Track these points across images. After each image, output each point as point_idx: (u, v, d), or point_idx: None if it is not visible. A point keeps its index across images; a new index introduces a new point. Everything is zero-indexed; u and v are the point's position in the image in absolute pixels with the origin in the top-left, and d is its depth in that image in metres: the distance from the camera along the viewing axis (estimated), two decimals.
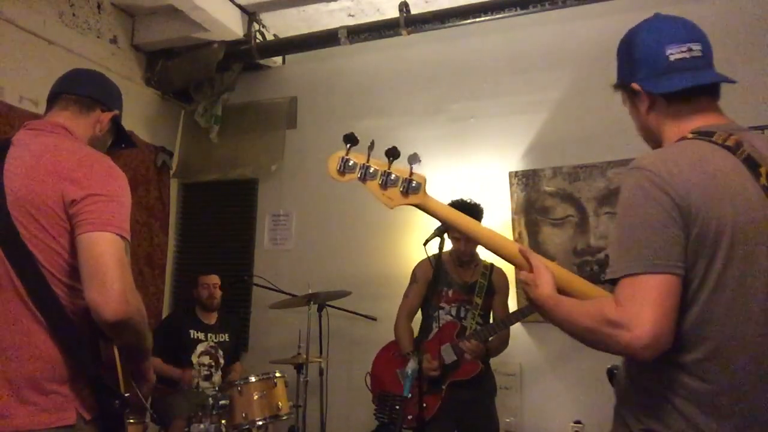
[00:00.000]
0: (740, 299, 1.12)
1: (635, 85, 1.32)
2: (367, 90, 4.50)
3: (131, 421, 2.62)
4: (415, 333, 2.64)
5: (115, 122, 1.78)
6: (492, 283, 3.18)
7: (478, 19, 3.86)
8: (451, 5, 3.94)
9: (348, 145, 1.47)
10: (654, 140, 1.36)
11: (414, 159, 1.47)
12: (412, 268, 3.71)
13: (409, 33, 4.01)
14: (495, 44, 4.18)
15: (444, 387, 2.98)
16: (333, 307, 3.85)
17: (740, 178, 1.16)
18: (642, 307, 1.09)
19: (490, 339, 3.02)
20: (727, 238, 1.12)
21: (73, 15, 4.02)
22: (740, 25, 3.62)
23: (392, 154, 1.47)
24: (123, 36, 4.42)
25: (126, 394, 1.50)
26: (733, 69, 3.75)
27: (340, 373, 3.96)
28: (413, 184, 1.48)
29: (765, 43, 3.54)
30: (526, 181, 3.93)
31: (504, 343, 3.16)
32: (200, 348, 3.86)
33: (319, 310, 3.78)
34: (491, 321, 3.18)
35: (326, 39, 4.25)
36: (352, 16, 4.29)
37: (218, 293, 4.00)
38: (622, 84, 1.38)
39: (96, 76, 1.80)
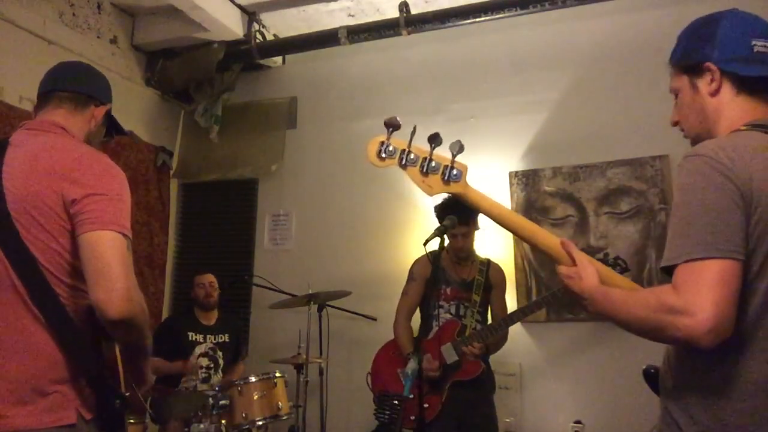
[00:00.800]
0: None
1: (710, 64, 1.29)
2: (367, 90, 4.50)
3: (131, 421, 2.63)
4: (415, 332, 2.63)
5: (108, 114, 1.77)
6: (489, 278, 3.19)
7: (478, 19, 3.86)
8: (451, 5, 3.94)
9: (390, 130, 1.43)
10: (704, 128, 1.32)
11: (457, 147, 1.43)
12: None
13: (409, 33, 4.01)
14: (495, 44, 4.19)
15: (446, 387, 2.97)
16: (333, 307, 3.85)
17: None
18: (703, 291, 1.06)
19: (489, 340, 3.01)
20: None
21: (73, 15, 4.02)
22: None
23: (434, 140, 1.43)
24: (123, 36, 4.42)
25: (126, 394, 1.51)
26: None
27: (340, 373, 3.95)
28: (454, 173, 1.45)
29: None
30: (526, 181, 3.94)
31: (503, 339, 3.16)
32: (198, 350, 3.83)
33: (319, 310, 3.77)
34: (489, 317, 3.18)
35: (326, 39, 4.25)
36: (352, 16, 4.29)
37: (215, 292, 3.98)
38: (689, 62, 1.33)
39: (86, 69, 1.79)
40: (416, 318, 3.24)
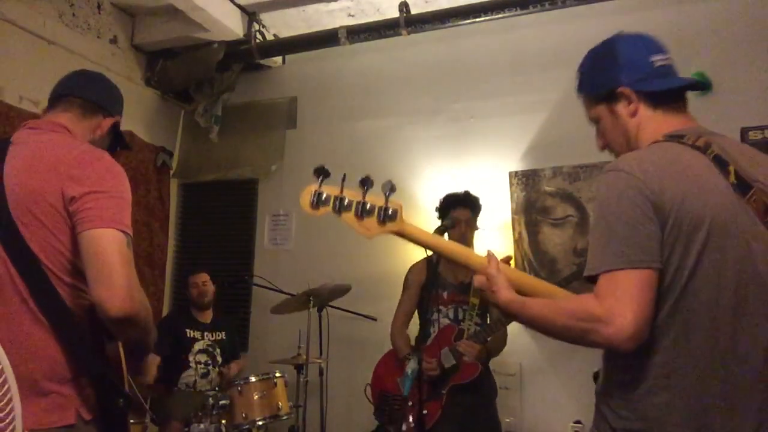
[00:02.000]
0: (712, 290, 1.18)
1: (624, 88, 1.37)
2: (367, 90, 4.50)
3: (131, 421, 2.62)
4: (415, 333, 2.61)
5: (114, 127, 1.77)
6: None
7: (478, 19, 3.86)
8: (451, 5, 3.94)
9: (320, 178, 1.45)
10: (631, 147, 1.39)
11: (388, 187, 1.44)
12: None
13: (409, 33, 4.01)
14: (495, 44, 4.18)
15: (444, 392, 2.93)
16: (333, 307, 3.85)
17: (711, 176, 1.23)
18: (623, 300, 1.14)
19: (488, 340, 2.99)
20: (701, 232, 1.17)
21: (73, 15, 4.02)
22: (739, 24, 3.62)
23: (366, 183, 1.44)
24: (123, 36, 4.42)
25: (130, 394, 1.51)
26: (733, 69, 3.76)
27: (340, 373, 3.95)
28: (389, 213, 1.46)
29: (764, 43, 3.54)
30: (526, 181, 3.93)
31: (502, 342, 3.13)
32: (197, 347, 3.87)
33: (319, 310, 3.77)
34: (489, 320, 3.15)
35: (326, 39, 4.25)
36: (352, 16, 4.29)
37: (209, 290, 4.00)
38: (602, 91, 1.41)
39: (101, 79, 1.79)
40: (414, 323, 3.24)
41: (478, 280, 1.43)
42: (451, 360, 2.94)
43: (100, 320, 1.44)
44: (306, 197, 1.47)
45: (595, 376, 1.38)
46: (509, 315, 1.40)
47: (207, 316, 4.01)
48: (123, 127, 1.88)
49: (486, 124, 4.12)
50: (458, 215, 3.05)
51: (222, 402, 3.21)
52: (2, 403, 1.11)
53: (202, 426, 3.14)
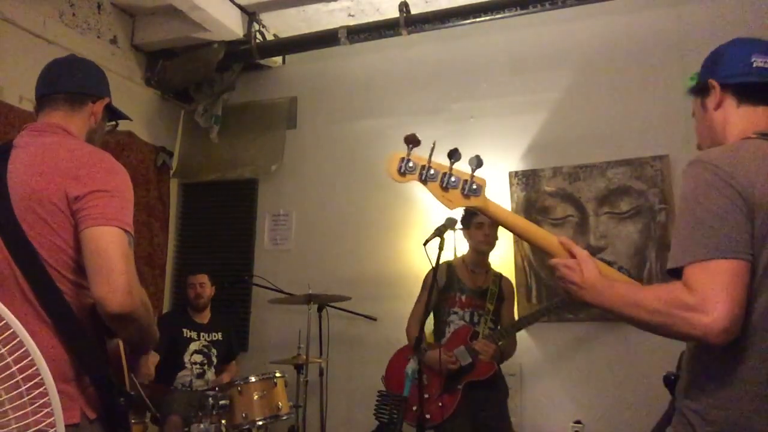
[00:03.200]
0: None
1: (712, 80, 1.38)
2: (367, 90, 4.50)
3: (132, 421, 2.62)
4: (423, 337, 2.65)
5: (109, 107, 1.75)
6: (502, 290, 3.24)
7: (478, 19, 3.86)
8: (451, 5, 3.94)
9: (410, 146, 1.46)
10: (714, 141, 1.39)
11: (475, 162, 1.47)
12: (412, 268, 3.72)
13: (409, 33, 4.01)
14: (495, 44, 4.19)
15: (460, 387, 3.00)
16: (333, 307, 3.85)
17: None
18: (717, 290, 1.09)
19: (500, 343, 3.06)
20: None
21: (73, 15, 4.02)
22: (739, 25, 3.62)
23: (453, 155, 1.47)
24: (123, 36, 4.42)
25: (132, 393, 1.51)
26: None
27: (340, 373, 3.96)
28: (474, 187, 1.49)
29: None
30: (526, 181, 3.94)
31: (513, 347, 3.22)
32: (193, 347, 3.88)
33: (319, 310, 3.78)
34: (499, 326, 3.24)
35: (326, 39, 4.25)
36: (352, 16, 4.29)
37: (206, 292, 4.00)
38: (698, 85, 1.42)
39: (77, 65, 1.77)
40: (408, 315, 3.23)
41: (556, 261, 1.41)
42: (467, 358, 3.01)
43: (102, 319, 1.44)
44: (393, 164, 1.47)
45: (669, 381, 1.35)
46: (584, 297, 1.34)
47: (204, 317, 4.02)
48: (123, 127, 1.88)
49: (486, 124, 4.12)
50: (482, 219, 3.09)
51: (222, 402, 3.21)
52: (41, 401, 1.11)
53: (202, 426, 3.14)
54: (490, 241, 3.18)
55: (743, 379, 1.15)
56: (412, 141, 1.45)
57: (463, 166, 1.49)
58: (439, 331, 3.18)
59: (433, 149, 1.47)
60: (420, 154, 1.48)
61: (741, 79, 1.35)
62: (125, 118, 1.86)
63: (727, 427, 1.15)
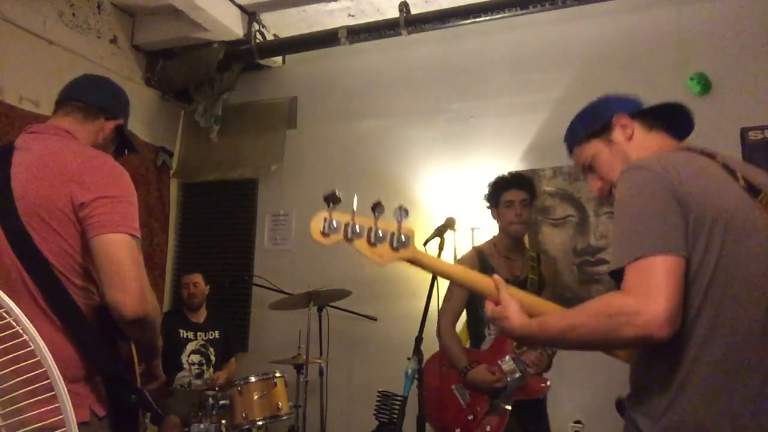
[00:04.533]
0: (736, 283, 1.16)
1: (619, 114, 1.44)
2: (367, 90, 4.50)
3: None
4: (415, 332, 2.56)
5: (119, 130, 1.79)
6: (542, 276, 2.82)
7: (478, 19, 3.86)
8: (451, 5, 3.94)
9: (330, 204, 1.39)
10: None
11: (400, 213, 1.42)
12: (412, 268, 3.67)
13: (409, 33, 4.01)
14: (495, 44, 4.18)
15: (509, 407, 2.57)
16: (333, 307, 3.85)
17: (724, 178, 1.25)
18: (653, 286, 1.10)
19: (555, 351, 2.60)
20: (721, 226, 1.17)
21: (73, 15, 4.02)
22: (739, 25, 3.62)
23: (377, 208, 1.41)
24: (123, 36, 4.42)
25: (143, 390, 1.53)
26: (733, 69, 3.75)
27: (340, 373, 3.95)
28: (402, 239, 1.43)
29: (764, 43, 3.54)
30: None
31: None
32: (190, 347, 3.89)
33: (319, 310, 3.77)
34: None
35: (326, 39, 4.25)
36: (352, 16, 4.29)
37: (200, 291, 4.01)
38: (596, 126, 1.48)
39: (104, 83, 1.82)
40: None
41: (489, 309, 1.39)
42: (516, 371, 2.56)
43: (110, 319, 1.46)
44: (317, 225, 1.41)
45: (618, 404, 1.33)
46: (526, 340, 1.36)
47: (200, 316, 4.03)
48: (135, 145, 1.89)
49: (486, 124, 4.12)
50: (511, 197, 2.76)
51: (222, 402, 3.21)
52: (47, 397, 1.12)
53: (202, 426, 3.14)
54: (524, 221, 2.76)
55: (697, 385, 1.15)
56: (331, 199, 1.38)
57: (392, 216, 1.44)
58: (476, 332, 2.79)
59: (355, 204, 1.42)
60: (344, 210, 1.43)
61: (642, 107, 1.44)
62: (134, 150, 1.88)
63: (672, 426, 1.16)
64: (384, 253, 1.44)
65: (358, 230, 1.41)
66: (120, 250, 1.42)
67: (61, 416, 1.09)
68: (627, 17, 3.86)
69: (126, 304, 1.39)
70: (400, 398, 2.82)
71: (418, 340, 2.47)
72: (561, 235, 3.79)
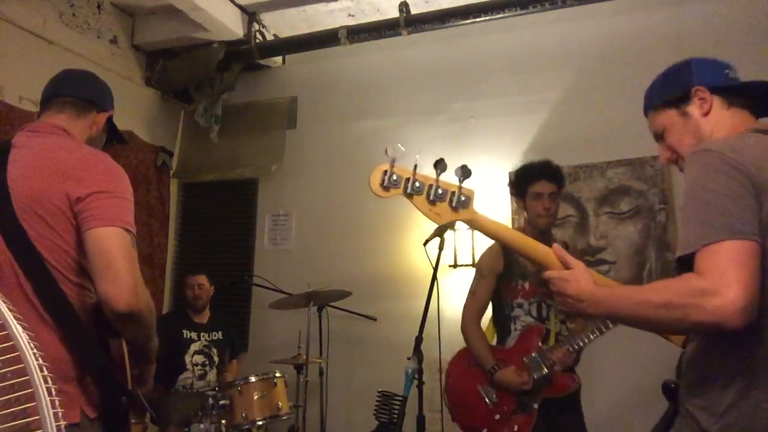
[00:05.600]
0: None
1: (699, 87, 1.38)
2: (367, 90, 4.50)
3: (132, 421, 2.62)
4: (415, 332, 2.55)
5: (109, 122, 1.79)
6: None
7: (478, 19, 3.86)
8: (451, 5, 3.94)
9: (392, 158, 1.39)
10: None
11: (461, 172, 1.40)
12: (412, 268, 3.68)
13: (409, 33, 4.01)
14: (495, 44, 4.19)
15: (536, 406, 2.52)
16: (333, 307, 3.85)
17: None
18: (730, 271, 1.05)
19: (582, 346, 2.53)
20: None
21: (73, 15, 4.02)
22: (739, 25, 3.62)
23: (439, 166, 1.39)
24: (123, 36, 4.42)
25: (134, 392, 1.52)
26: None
27: (340, 373, 3.95)
28: (462, 199, 1.41)
29: (764, 43, 3.54)
30: None
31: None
32: (193, 347, 3.87)
33: (319, 310, 3.77)
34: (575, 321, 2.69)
35: (326, 39, 4.25)
36: (352, 16, 4.29)
37: (204, 293, 3.98)
38: (675, 94, 1.42)
39: (89, 77, 1.81)
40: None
41: (552, 274, 1.35)
42: (542, 369, 2.52)
43: (104, 318, 1.45)
44: (376, 178, 1.39)
45: (667, 388, 1.31)
46: (585, 307, 1.28)
47: (203, 317, 4.01)
48: (123, 127, 1.90)
49: (486, 124, 4.12)
50: (539, 189, 2.65)
51: (222, 402, 3.21)
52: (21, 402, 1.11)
53: (202, 426, 3.14)
54: (552, 214, 2.66)
55: (753, 367, 1.11)
56: (395, 152, 1.38)
57: (450, 176, 1.42)
58: (503, 328, 2.72)
59: (417, 161, 1.41)
60: (405, 165, 1.41)
61: (727, 84, 1.38)
62: (123, 141, 1.89)
63: (734, 421, 1.11)
64: (443, 211, 1.41)
65: (418, 186, 1.39)
66: (113, 244, 1.42)
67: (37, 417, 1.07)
68: (627, 17, 3.86)
69: (117, 297, 1.38)
70: (400, 398, 2.83)
71: (418, 340, 2.47)
72: (561, 235, 3.79)
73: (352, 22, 4.25)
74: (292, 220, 4.55)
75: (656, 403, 1.43)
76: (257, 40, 4.38)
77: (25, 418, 1.08)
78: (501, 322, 2.75)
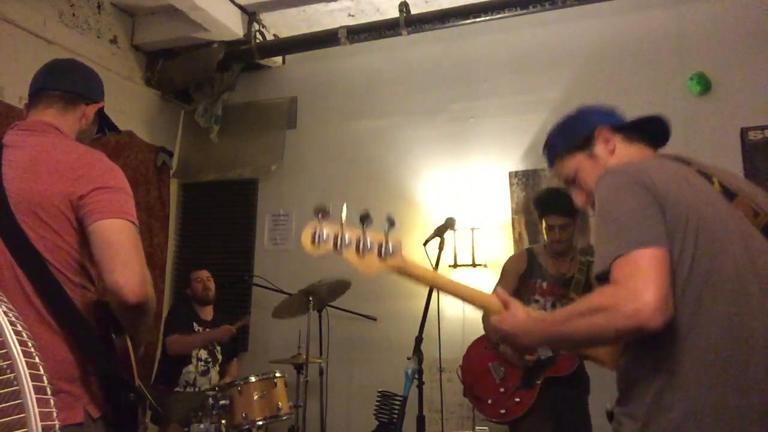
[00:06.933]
0: (710, 281, 1.16)
1: (602, 127, 1.44)
2: (367, 90, 4.50)
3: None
4: (415, 332, 2.58)
5: (99, 111, 1.76)
6: (589, 279, 2.94)
7: (478, 19, 3.86)
8: (451, 5, 3.94)
9: (320, 216, 1.43)
10: None
11: (388, 224, 1.43)
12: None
13: (409, 33, 4.01)
14: (495, 44, 4.19)
15: (539, 382, 2.85)
16: (333, 307, 3.85)
17: (699, 181, 1.27)
18: (641, 276, 1.11)
19: None
20: (694, 224, 1.18)
21: (73, 15, 4.02)
22: (739, 25, 3.62)
23: (365, 220, 1.44)
24: (123, 36, 4.42)
25: (140, 389, 1.52)
26: (733, 69, 3.75)
27: (340, 373, 3.95)
28: (390, 249, 1.45)
29: (764, 43, 3.54)
30: (526, 181, 3.94)
31: None
32: None
33: (319, 310, 3.77)
34: None
35: (326, 39, 4.25)
36: (352, 16, 4.29)
37: (212, 285, 4.02)
38: (579, 139, 1.46)
39: (77, 67, 1.77)
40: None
41: (493, 320, 1.42)
42: (548, 351, 2.86)
43: (107, 316, 1.45)
44: (307, 236, 1.44)
45: (610, 416, 1.34)
46: (521, 339, 1.37)
47: (209, 313, 4.02)
48: (123, 128, 1.88)
49: (486, 124, 4.12)
50: (551, 222, 2.94)
51: (222, 402, 3.21)
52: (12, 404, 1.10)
53: (202, 426, 3.13)
54: (564, 243, 2.96)
55: (671, 369, 1.15)
56: (321, 211, 1.43)
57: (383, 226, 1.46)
58: None
59: (343, 216, 1.45)
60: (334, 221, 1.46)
61: (622, 122, 1.45)
62: (115, 130, 1.87)
63: (659, 422, 1.15)
64: (372, 263, 1.45)
65: (347, 241, 1.45)
66: (120, 234, 1.42)
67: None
68: (627, 17, 3.86)
69: (128, 287, 1.38)
70: (400, 398, 2.84)
71: (418, 340, 2.48)
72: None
73: (352, 22, 4.25)
74: (292, 220, 4.55)
75: None
76: (257, 40, 4.38)
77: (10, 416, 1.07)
78: None
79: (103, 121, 1.81)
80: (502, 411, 2.82)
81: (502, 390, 2.89)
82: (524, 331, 1.35)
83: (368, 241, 1.46)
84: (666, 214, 1.18)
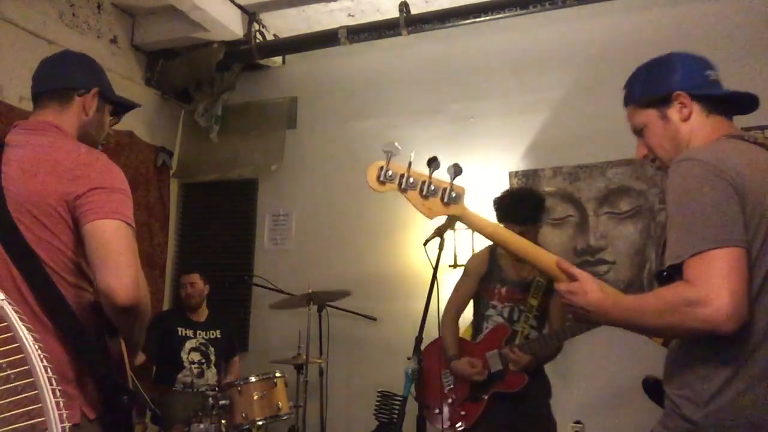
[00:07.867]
0: None
1: (680, 92, 1.39)
2: (367, 90, 4.50)
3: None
4: (415, 332, 2.57)
5: (103, 97, 1.73)
6: (552, 282, 2.94)
7: (478, 19, 3.86)
8: (451, 5, 3.94)
9: (388, 155, 1.46)
10: (675, 153, 1.39)
11: (453, 170, 1.48)
12: (412, 268, 3.67)
13: (409, 33, 4.01)
14: (495, 44, 4.18)
15: (486, 397, 2.76)
16: (333, 307, 3.85)
17: None
18: (717, 280, 1.10)
19: (537, 353, 2.74)
20: None
21: (73, 15, 4.02)
22: (739, 24, 3.62)
23: (432, 164, 1.48)
24: (123, 36, 4.42)
25: (135, 391, 1.51)
26: (733, 68, 3.73)
27: (340, 373, 3.95)
28: (453, 195, 1.49)
29: (764, 43, 3.54)
30: (526, 181, 3.93)
31: (556, 351, 2.86)
32: (189, 345, 3.87)
33: (319, 310, 3.77)
34: (546, 325, 2.91)
35: (326, 39, 4.25)
36: (352, 16, 4.29)
37: (197, 292, 3.98)
38: (656, 95, 1.43)
39: (61, 61, 1.75)
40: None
41: (563, 286, 1.40)
42: (498, 364, 2.75)
43: (102, 317, 1.44)
44: (373, 173, 1.47)
45: (647, 384, 1.38)
46: (594, 318, 1.35)
47: (201, 315, 4.01)
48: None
49: (486, 124, 4.12)
50: (509, 229, 2.87)
51: (222, 402, 3.21)
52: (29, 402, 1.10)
53: (202, 426, 3.14)
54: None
55: (739, 363, 1.15)
56: (391, 150, 1.46)
57: (442, 174, 1.50)
58: (477, 325, 2.92)
59: (411, 159, 1.48)
60: (401, 162, 1.49)
61: (707, 91, 1.40)
62: (128, 104, 1.83)
63: (717, 413, 1.15)
64: (434, 206, 1.49)
65: (412, 181, 1.48)
66: (113, 235, 1.40)
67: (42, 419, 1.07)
68: (627, 17, 3.86)
69: (119, 289, 1.36)
70: (400, 398, 2.84)
71: (418, 340, 2.47)
72: (561, 235, 3.79)
73: (352, 22, 4.25)
74: (292, 220, 4.55)
75: (637, 398, 1.46)
76: (257, 40, 4.38)
77: (30, 420, 1.07)
78: (476, 319, 2.95)
79: (118, 105, 1.78)
80: (447, 422, 2.77)
81: (449, 400, 2.82)
82: (599, 310, 1.32)
83: (433, 185, 1.48)
84: (746, 206, 1.16)
